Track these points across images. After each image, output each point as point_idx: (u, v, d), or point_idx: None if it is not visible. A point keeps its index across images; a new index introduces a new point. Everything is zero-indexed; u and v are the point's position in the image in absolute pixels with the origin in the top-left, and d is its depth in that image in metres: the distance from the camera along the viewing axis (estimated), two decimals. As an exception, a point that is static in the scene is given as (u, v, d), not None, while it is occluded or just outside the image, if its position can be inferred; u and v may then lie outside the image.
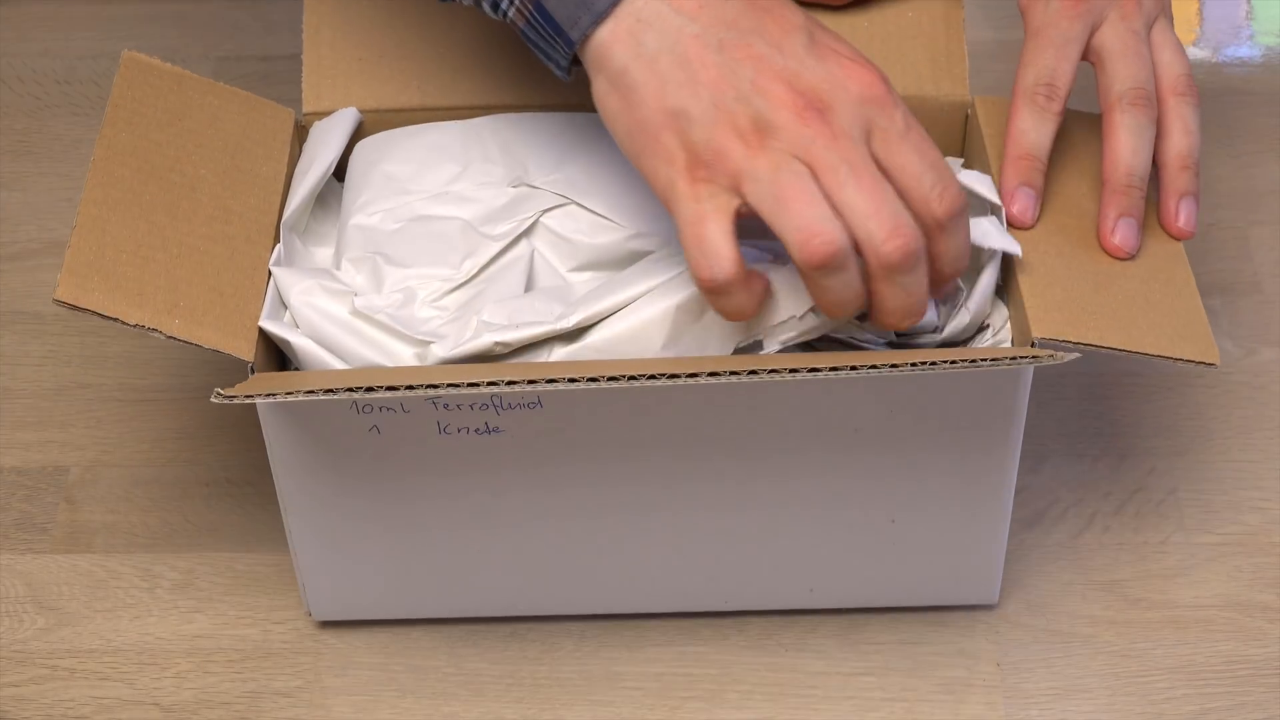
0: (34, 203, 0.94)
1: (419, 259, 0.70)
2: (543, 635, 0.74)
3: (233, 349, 0.65)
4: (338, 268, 0.71)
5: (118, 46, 0.77)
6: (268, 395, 0.62)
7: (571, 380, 0.62)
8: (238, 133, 0.73)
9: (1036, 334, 0.65)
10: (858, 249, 0.61)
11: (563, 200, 0.72)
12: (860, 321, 0.67)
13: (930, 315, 0.67)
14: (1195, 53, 1.01)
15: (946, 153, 0.76)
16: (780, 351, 0.66)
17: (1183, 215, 0.70)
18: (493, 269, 0.70)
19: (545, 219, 0.72)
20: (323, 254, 0.74)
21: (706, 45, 0.61)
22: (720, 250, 0.61)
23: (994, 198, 0.70)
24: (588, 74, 0.64)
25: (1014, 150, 0.70)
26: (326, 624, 0.75)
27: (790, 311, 0.65)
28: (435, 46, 0.77)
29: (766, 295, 0.65)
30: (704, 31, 0.62)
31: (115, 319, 0.64)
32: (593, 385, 0.62)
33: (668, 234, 0.70)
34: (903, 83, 0.75)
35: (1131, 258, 0.69)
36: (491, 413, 0.66)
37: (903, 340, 0.68)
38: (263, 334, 0.67)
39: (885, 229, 0.61)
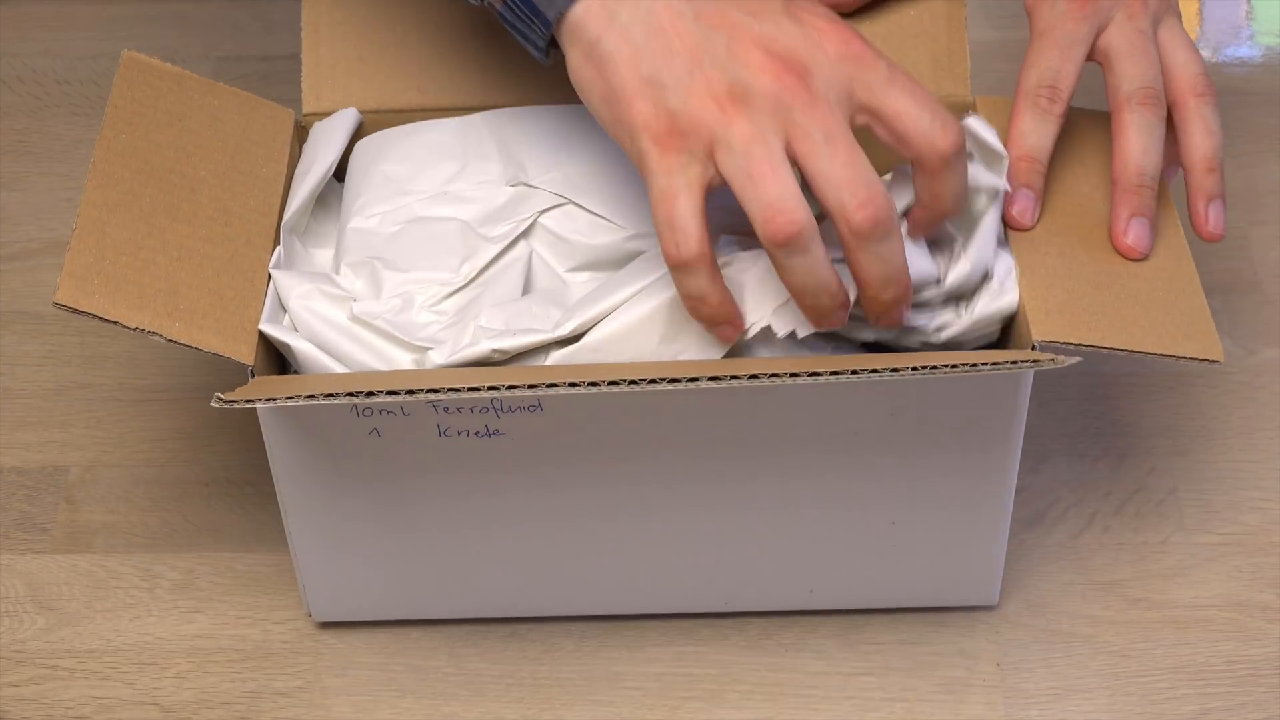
0: (34, 203, 0.94)
1: (417, 262, 0.70)
2: (543, 635, 0.74)
3: (233, 352, 0.65)
4: (337, 272, 0.71)
5: (118, 46, 0.77)
6: (268, 400, 0.62)
7: (572, 384, 0.62)
8: (238, 133, 0.73)
9: (1037, 337, 0.65)
10: (831, 219, 0.61)
11: (560, 200, 0.72)
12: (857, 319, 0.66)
13: (929, 267, 0.66)
14: (1195, 52, 1.01)
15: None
16: (780, 353, 0.66)
17: (1212, 218, 0.71)
18: (491, 271, 0.70)
19: (543, 219, 0.72)
20: (323, 255, 0.74)
21: (681, 14, 0.62)
22: (687, 227, 0.61)
23: (998, 145, 0.68)
24: (564, 53, 0.64)
25: (1014, 151, 0.70)
26: (326, 624, 0.75)
27: (786, 295, 0.65)
28: (435, 46, 0.77)
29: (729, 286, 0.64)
30: (678, 1, 0.62)
31: (115, 322, 0.64)
32: (593, 390, 0.62)
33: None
34: (903, 83, 0.75)
35: (1145, 258, 0.69)
36: (491, 416, 0.66)
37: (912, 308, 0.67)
38: (263, 337, 0.67)
39: (858, 198, 0.61)
